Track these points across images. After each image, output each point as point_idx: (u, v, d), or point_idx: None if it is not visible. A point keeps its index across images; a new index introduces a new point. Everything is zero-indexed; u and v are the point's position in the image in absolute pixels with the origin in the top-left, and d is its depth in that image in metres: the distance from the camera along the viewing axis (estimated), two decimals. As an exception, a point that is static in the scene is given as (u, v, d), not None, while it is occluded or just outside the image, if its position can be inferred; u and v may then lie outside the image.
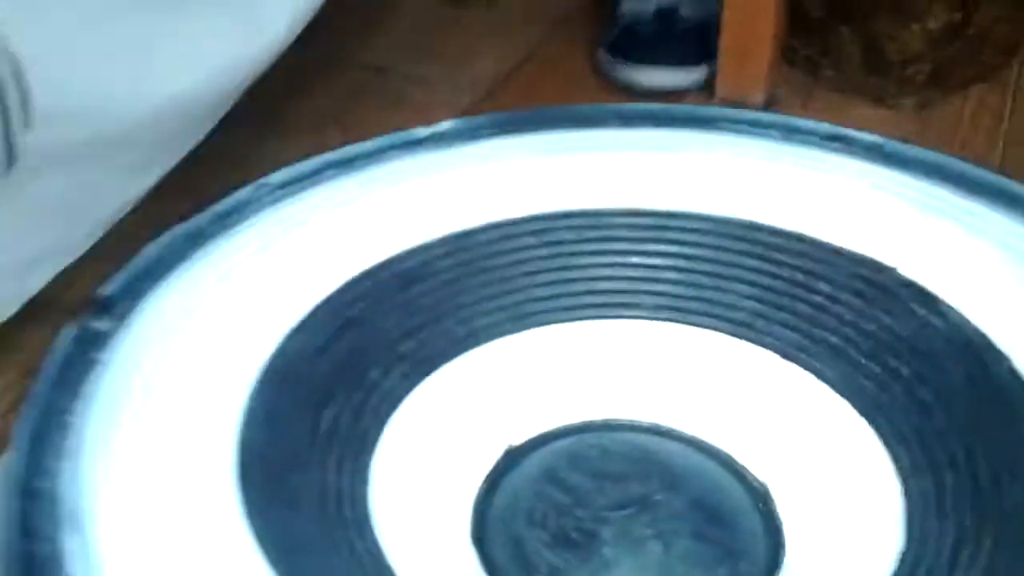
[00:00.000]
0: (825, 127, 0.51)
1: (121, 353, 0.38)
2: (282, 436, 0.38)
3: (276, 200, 0.47)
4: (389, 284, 0.46)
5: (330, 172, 0.49)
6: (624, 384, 0.47)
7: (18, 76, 0.56)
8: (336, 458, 0.39)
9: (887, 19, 0.85)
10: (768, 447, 0.44)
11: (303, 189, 0.48)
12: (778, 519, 0.41)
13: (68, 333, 0.38)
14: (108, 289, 0.41)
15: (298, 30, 0.80)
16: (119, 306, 0.40)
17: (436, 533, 0.40)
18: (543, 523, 0.40)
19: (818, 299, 0.45)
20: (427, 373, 0.45)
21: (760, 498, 0.42)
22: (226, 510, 0.34)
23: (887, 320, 0.43)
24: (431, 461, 0.43)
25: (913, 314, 0.43)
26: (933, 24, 0.83)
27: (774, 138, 0.51)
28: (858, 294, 0.45)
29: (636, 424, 0.46)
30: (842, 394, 0.43)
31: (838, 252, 0.46)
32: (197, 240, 0.44)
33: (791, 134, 0.51)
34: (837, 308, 0.45)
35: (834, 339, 0.44)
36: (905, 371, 0.41)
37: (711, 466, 0.43)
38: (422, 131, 0.52)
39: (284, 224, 0.46)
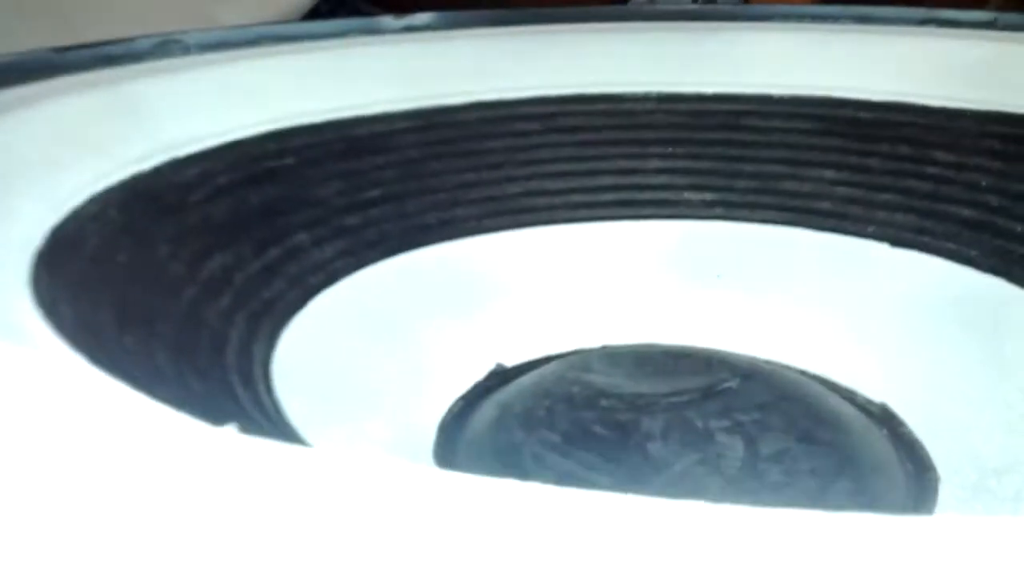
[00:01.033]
0: (917, 12, 0.39)
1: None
2: (131, 251, 0.24)
3: (187, 54, 0.35)
4: (334, 147, 0.33)
5: (267, 43, 0.37)
6: (663, 300, 0.33)
7: None
8: (225, 307, 0.25)
9: None
10: (883, 361, 0.29)
11: (228, 52, 0.36)
12: (914, 438, 0.26)
13: None
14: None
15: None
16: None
17: (377, 441, 0.25)
18: (549, 422, 0.25)
19: (936, 171, 0.32)
20: (381, 257, 0.31)
21: (881, 417, 0.27)
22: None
23: (1047, 175, 0.30)
24: (379, 362, 0.28)
25: (1085, 162, 0.29)
26: None
27: (848, 24, 0.39)
28: (996, 155, 0.31)
29: (684, 349, 0.31)
30: (993, 272, 0.29)
31: (956, 114, 0.33)
32: (70, 63, 0.31)
33: (871, 23, 0.39)
34: (967, 176, 0.31)
35: (969, 211, 0.31)
36: (1091, 224, 0.28)
37: (800, 380, 0.29)
38: (392, 21, 0.40)
39: (195, 66, 0.33)
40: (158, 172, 0.27)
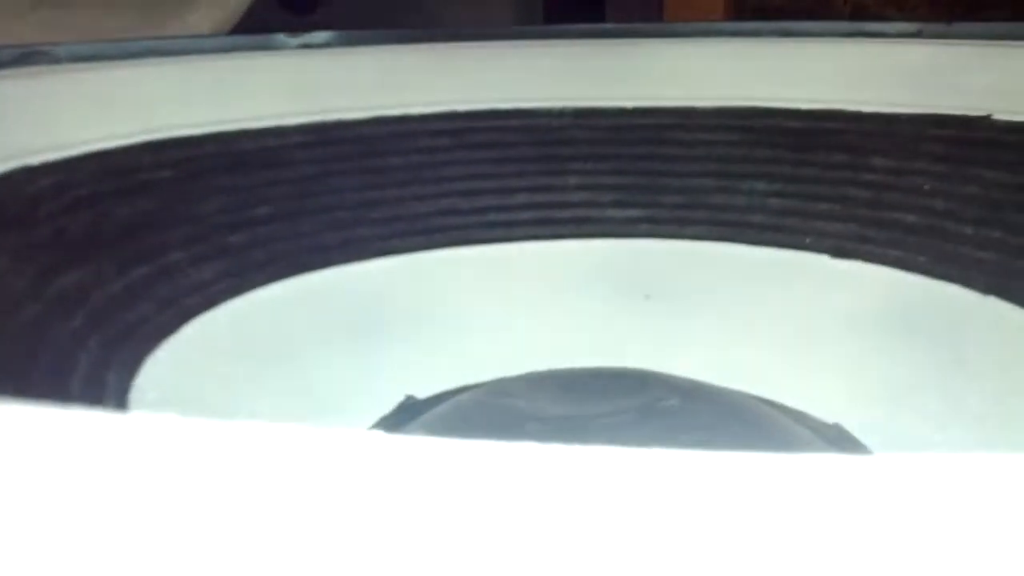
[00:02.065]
0: (841, 25, 0.37)
1: None
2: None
3: (57, 63, 0.31)
4: (218, 160, 0.29)
5: (146, 55, 0.33)
6: (588, 323, 0.30)
7: None
8: (75, 329, 0.21)
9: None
10: (832, 378, 0.27)
11: (101, 63, 0.32)
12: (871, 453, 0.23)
13: None
14: None
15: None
16: None
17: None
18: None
19: (875, 177, 0.30)
20: (271, 280, 0.27)
21: (836, 439, 0.24)
22: None
23: (994, 175, 0.28)
24: (267, 396, 0.24)
25: (1033, 159, 0.27)
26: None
27: (770, 37, 0.37)
28: (939, 159, 0.29)
29: (614, 371, 0.28)
30: (947, 278, 0.26)
31: (892, 119, 0.31)
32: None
33: (793, 36, 0.37)
34: (909, 180, 0.29)
35: (913, 217, 0.28)
36: (1045, 222, 0.26)
37: (746, 399, 0.26)
38: (287, 39, 0.37)
39: (61, 73, 0.30)
40: (2, 180, 0.23)
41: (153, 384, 0.21)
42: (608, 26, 0.41)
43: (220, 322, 0.24)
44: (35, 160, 0.25)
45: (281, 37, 0.37)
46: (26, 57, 0.31)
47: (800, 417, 0.26)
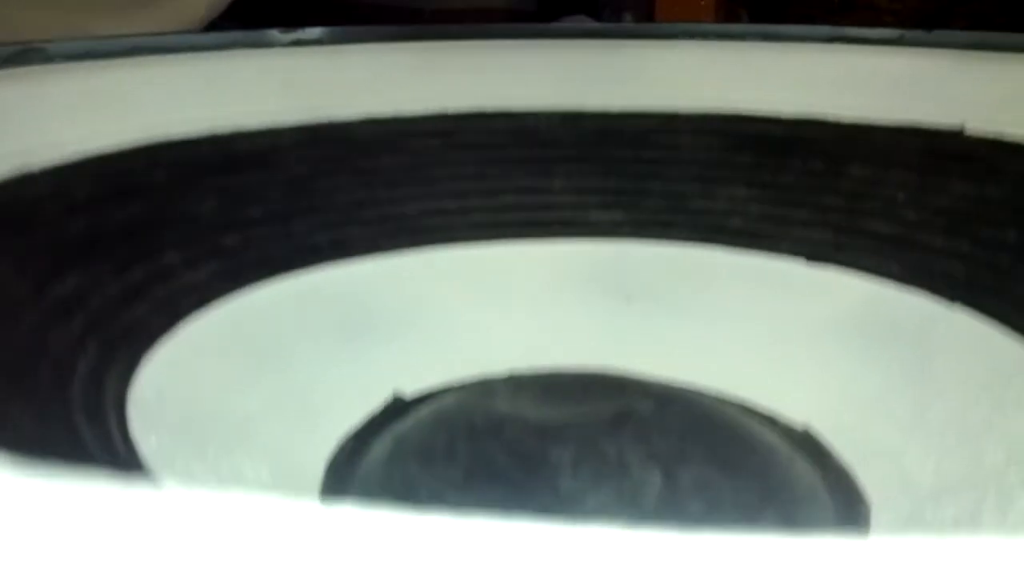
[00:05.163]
0: (824, 30, 0.38)
1: None
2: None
3: (49, 63, 0.32)
4: (211, 162, 0.30)
5: (141, 54, 0.34)
6: (571, 323, 0.31)
7: None
8: (74, 331, 0.22)
9: None
10: (804, 383, 0.27)
11: (96, 62, 0.33)
12: (841, 465, 0.24)
13: None
14: None
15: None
16: None
17: (254, 482, 0.22)
18: (448, 456, 0.22)
19: (851, 185, 0.31)
20: (262, 279, 0.28)
21: (804, 444, 0.25)
22: None
23: (966, 188, 0.29)
24: (259, 394, 0.25)
25: (1000, 172, 0.28)
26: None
27: (754, 41, 0.38)
28: (912, 168, 0.30)
29: (594, 374, 0.29)
30: (916, 287, 0.27)
31: (869, 129, 0.32)
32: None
33: (777, 39, 0.38)
34: (883, 190, 0.30)
35: (888, 226, 0.29)
36: (1013, 236, 0.26)
37: (718, 406, 0.27)
38: (279, 35, 0.38)
39: (56, 73, 0.30)
40: (2, 185, 0.24)
41: (149, 385, 0.21)
42: (597, 26, 0.41)
43: (214, 322, 0.25)
44: (32, 163, 0.25)
45: (274, 33, 0.38)
46: (20, 55, 0.32)
47: (770, 420, 0.26)
